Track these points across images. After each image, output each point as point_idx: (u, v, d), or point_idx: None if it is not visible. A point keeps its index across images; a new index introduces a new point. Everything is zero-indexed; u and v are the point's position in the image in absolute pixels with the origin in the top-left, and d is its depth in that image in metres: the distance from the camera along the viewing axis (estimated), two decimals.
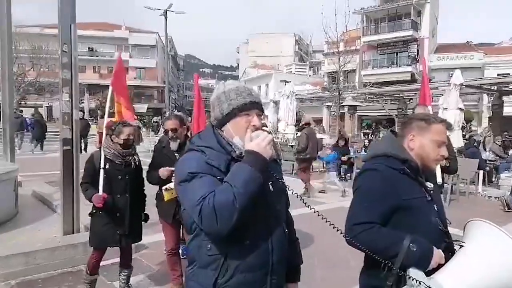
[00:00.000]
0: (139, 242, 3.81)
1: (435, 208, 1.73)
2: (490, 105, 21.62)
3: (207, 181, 1.41)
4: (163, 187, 3.37)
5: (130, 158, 3.45)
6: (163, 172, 3.36)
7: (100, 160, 3.38)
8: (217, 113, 1.58)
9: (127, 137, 3.37)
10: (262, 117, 1.60)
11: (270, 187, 1.56)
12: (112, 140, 3.40)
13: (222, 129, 1.58)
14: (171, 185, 3.25)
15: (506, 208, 7.77)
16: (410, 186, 1.69)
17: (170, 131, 3.51)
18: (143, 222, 3.68)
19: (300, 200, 1.62)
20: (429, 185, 1.74)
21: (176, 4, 29.13)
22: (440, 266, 1.58)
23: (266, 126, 1.63)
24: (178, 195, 1.54)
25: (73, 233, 4.61)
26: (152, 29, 51.56)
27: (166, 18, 29.36)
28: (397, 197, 1.65)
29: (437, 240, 1.64)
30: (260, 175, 1.40)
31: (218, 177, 1.43)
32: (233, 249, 1.45)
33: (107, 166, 3.36)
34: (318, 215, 1.60)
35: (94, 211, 3.33)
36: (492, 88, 18.13)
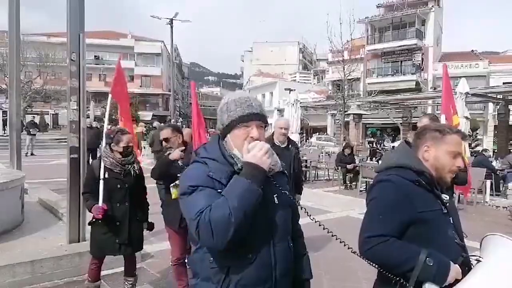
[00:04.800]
0: (145, 251, 3.79)
1: (451, 221, 1.70)
2: (496, 113, 21.51)
3: (206, 194, 1.40)
4: (171, 184, 3.36)
5: (130, 166, 3.42)
6: (175, 153, 3.36)
7: (99, 169, 3.36)
8: (219, 124, 1.59)
9: (126, 144, 3.36)
10: (266, 128, 1.58)
11: (275, 199, 1.53)
12: (111, 149, 3.40)
13: (224, 140, 1.58)
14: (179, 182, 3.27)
15: None
16: (426, 198, 1.65)
17: (163, 141, 3.55)
18: (148, 231, 3.66)
19: (304, 211, 1.60)
20: (445, 197, 1.71)
21: (181, 13, 29.42)
22: (456, 281, 1.54)
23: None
24: (181, 208, 1.52)
25: (79, 241, 4.59)
26: (158, 37, 52.10)
27: (172, 27, 29.60)
28: (412, 210, 1.61)
29: (453, 254, 1.60)
30: (257, 188, 1.38)
31: (219, 190, 1.41)
32: (235, 262, 1.44)
33: (106, 176, 3.34)
34: (324, 229, 1.58)
35: (93, 220, 3.31)
36: (498, 96, 18.06)
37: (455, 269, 1.55)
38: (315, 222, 1.65)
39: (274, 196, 1.52)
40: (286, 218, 1.59)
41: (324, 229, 1.56)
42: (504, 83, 23.79)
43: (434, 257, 1.53)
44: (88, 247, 4.26)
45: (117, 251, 3.39)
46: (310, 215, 1.56)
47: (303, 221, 1.79)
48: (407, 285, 1.53)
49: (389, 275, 1.56)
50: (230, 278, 1.43)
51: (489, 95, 17.85)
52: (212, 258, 1.45)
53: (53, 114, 43.47)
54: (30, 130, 18.38)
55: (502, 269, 1.49)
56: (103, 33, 49.40)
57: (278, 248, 1.51)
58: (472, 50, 35.13)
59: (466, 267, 1.61)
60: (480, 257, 1.60)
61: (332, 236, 1.56)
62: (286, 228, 1.58)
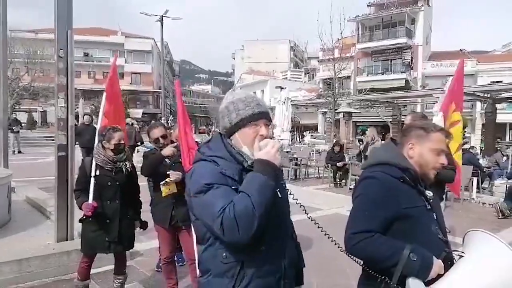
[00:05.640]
0: (134, 249, 3.78)
1: (435, 216, 1.73)
2: (484, 112, 21.83)
3: (224, 192, 1.43)
4: (161, 182, 3.35)
5: (121, 164, 3.41)
6: (168, 150, 3.36)
7: (91, 166, 3.36)
8: (225, 122, 1.61)
9: (117, 142, 3.35)
10: (270, 126, 1.63)
11: (279, 193, 1.59)
12: (103, 146, 3.38)
13: (230, 138, 1.60)
14: (170, 179, 3.30)
15: (500, 215, 7.80)
16: (410, 194, 1.69)
17: (160, 138, 3.51)
18: (141, 230, 3.65)
19: (302, 208, 1.62)
20: (429, 193, 1.74)
21: (172, 10, 29.23)
22: (439, 276, 1.57)
23: (273, 135, 1.64)
24: (193, 207, 1.54)
25: (67, 240, 4.55)
26: (148, 35, 51.70)
27: (162, 24, 29.41)
28: (397, 206, 1.64)
29: (436, 250, 1.63)
30: (273, 182, 1.44)
31: (233, 187, 1.45)
32: (249, 256, 1.48)
33: (97, 173, 3.34)
34: (319, 227, 1.61)
35: (84, 217, 3.30)
36: (486, 95, 18.32)
37: (438, 264, 1.58)
38: (310, 219, 1.68)
39: (277, 190, 1.57)
40: (288, 211, 1.69)
41: (318, 227, 1.59)
42: (491, 82, 24.15)
43: (418, 252, 1.56)
44: (76, 245, 4.25)
45: (107, 249, 3.37)
46: (307, 213, 1.60)
47: (293, 218, 1.82)
48: (391, 282, 1.56)
49: (373, 272, 1.59)
50: (245, 271, 1.48)
51: (477, 93, 18.09)
52: (225, 254, 1.48)
53: (41, 111, 42.89)
54: (13, 127, 18.06)
55: (484, 265, 1.53)
56: (92, 30, 48.83)
57: (286, 239, 1.62)
58: (461, 49, 35.52)
59: (449, 262, 1.65)
60: (462, 252, 1.64)
61: (322, 231, 1.59)
62: (289, 220, 1.70)
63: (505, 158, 12.51)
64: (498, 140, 16.29)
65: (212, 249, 1.52)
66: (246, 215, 1.35)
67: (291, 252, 1.65)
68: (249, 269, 1.49)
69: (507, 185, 8.15)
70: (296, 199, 1.59)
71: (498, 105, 19.01)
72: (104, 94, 4.22)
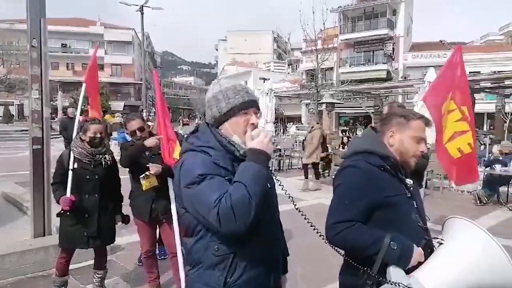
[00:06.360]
0: (115, 243, 3.70)
1: (415, 204, 1.73)
2: None
3: (218, 182, 1.40)
4: (141, 176, 3.25)
5: (101, 157, 3.31)
6: (151, 141, 3.22)
7: (68, 159, 3.26)
8: (214, 112, 1.57)
9: (93, 135, 3.25)
10: (258, 115, 1.61)
11: (268, 184, 1.55)
12: (81, 139, 3.29)
13: (219, 128, 1.57)
14: (150, 172, 3.19)
15: (478, 202, 8.01)
16: (391, 183, 1.68)
17: (137, 131, 3.36)
18: (122, 224, 3.57)
19: (290, 199, 1.59)
20: (409, 181, 1.73)
21: (154, 0, 28.64)
22: (419, 264, 1.57)
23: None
24: (185, 199, 1.49)
25: (44, 235, 4.43)
26: (129, 25, 50.60)
27: (142, 14, 28.80)
28: (378, 194, 1.63)
29: (417, 238, 1.63)
30: (266, 172, 1.44)
31: (226, 178, 1.43)
32: (241, 247, 1.47)
33: (75, 166, 3.24)
34: (305, 219, 1.59)
35: (61, 211, 3.20)
36: None
37: (418, 252, 1.58)
38: (298, 210, 1.65)
39: None
40: (276, 201, 1.69)
41: (305, 218, 1.57)
42: (470, 73, 24.63)
43: (398, 240, 1.56)
44: (54, 241, 4.14)
45: (86, 243, 3.29)
46: (295, 204, 1.57)
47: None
48: (371, 272, 1.55)
49: (354, 263, 1.58)
50: (237, 262, 1.47)
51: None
52: (217, 246, 1.46)
53: (18, 104, 41.67)
54: None
55: (462, 252, 1.53)
56: (70, 20, 47.57)
57: (275, 228, 1.64)
58: (441, 41, 36.12)
59: (429, 250, 1.65)
60: (442, 239, 1.64)
61: (308, 222, 1.57)
62: (277, 209, 1.70)
63: (482, 146, 12.84)
64: (477, 129, 16.68)
65: (204, 241, 1.49)
66: (243, 205, 1.32)
67: (280, 240, 1.68)
68: (241, 261, 1.47)
69: (485, 173, 8.35)
70: (286, 190, 1.56)
71: (476, 96, 19.42)
72: (84, 85, 4.13)
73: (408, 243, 1.58)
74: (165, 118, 3.27)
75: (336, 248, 1.64)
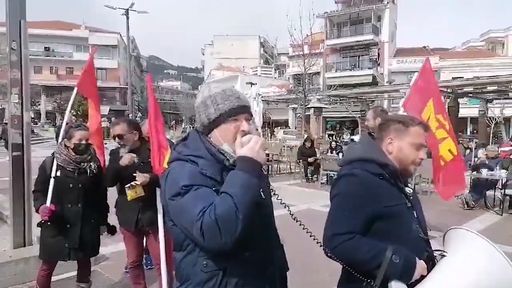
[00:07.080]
0: (100, 253, 3.55)
1: (415, 214, 1.66)
2: (447, 106, 22.64)
3: (204, 193, 1.31)
4: (126, 186, 3.08)
5: (85, 164, 3.16)
6: (125, 159, 3.03)
7: (51, 166, 3.10)
8: (203, 119, 1.48)
9: (78, 141, 3.10)
10: (250, 121, 1.51)
11: (262, 194, 1.46)
12: (65, 145, 3.14)
13: (209, 136, 1.47)
14: (136, 182, 3.02)
15: (466, 206, 8.07)
16: (390, 192, 1.61)
17: (117, 137, 3.17)
18: (108, 235, 3.43)
19: (286, 208, 1.51)
20: (409, 190, 1.67)
21: (138, 3, 28.39)
22: (422, 277, 1.50)
23: (257, 129, 1.50)
24: (170, 211, 1.38)
25: (24, 246, 4.24)
26: (114, 29, 50.10)
27: (127, 17, 28.55)
28: (378, 204, 1.55)
29: (418, 249, 1.56)
30: (257, 181, 1.32)
31: (214, 188, 1.33)
32: (232, 263, 1.37)
33: (58, 174, 3.09)
34: (300, 225, 1.50)
35: (42, 221, 3.04)
36: (448, 90, 19.00)
37: (421, 265, 1.51)
38: (295, 220, 1.57)
39: (261, 191, 1.45)
40: (272, 212, 1.58)
41: (300, 224, 1.48)
42: (453, 78, 25.09)
43: (400, 253, 1.49)
44: (34, 252, 3.96)
45: (67, 256, 3.13)
46: (291, 214, 1.49)
47: None
48: (374, 284, 1.47)
49: (357, 275, 1.50)
50: (227, 280, 1.37)
51: (441, 89, 18.71)
52: (205, 262, 1.37)
53: (0, 109, 40.69)
54: None
55: (468, 266, 1.46)
56: (54, 23, 46.81)
57: (272, 242, 1.51)
58: (424, 46, 36.81)
59: (431, 262, 1.59)
60: (444, 251, 1.57)
61: (304, 229, 1.49)
62: (273, 221, 1.58)
63: (468, 151, 13.02)
64: (460, 133, 16.94)
65: (192, 257, 1.40)
66: (229, 218, 1.22)
67: (278, 255, 1.55)
68: (232, 277, 1.37)
69: (472, 177, 8.42)
70: (281, 199, 1.47)
71: (460, 100, 19.75)
72: (75, 89, 4.06)
73: (411, 256, 1.51)
74: (157, 124, 3.13)
75: (337, 260, 1.55)
